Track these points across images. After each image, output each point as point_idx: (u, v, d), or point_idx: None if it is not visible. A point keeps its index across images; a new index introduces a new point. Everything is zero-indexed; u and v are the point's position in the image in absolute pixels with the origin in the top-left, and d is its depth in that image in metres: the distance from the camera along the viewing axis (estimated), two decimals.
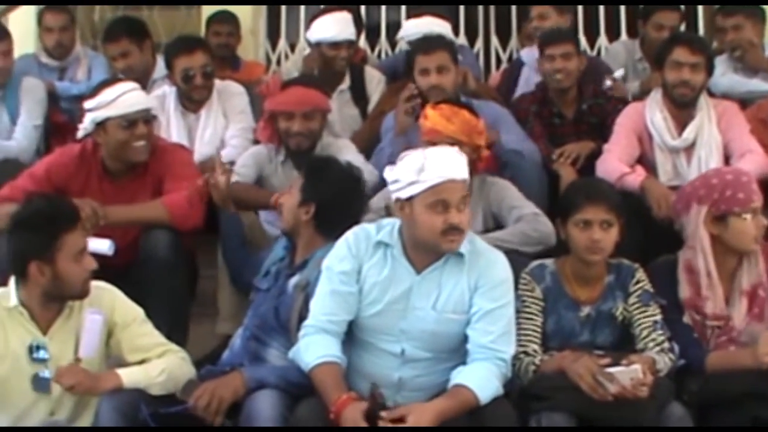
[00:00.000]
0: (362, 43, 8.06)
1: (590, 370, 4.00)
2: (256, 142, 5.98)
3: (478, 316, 4.06)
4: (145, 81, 6.53)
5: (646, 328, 4.33)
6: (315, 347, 4.06)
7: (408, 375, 4.13)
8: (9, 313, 4.11)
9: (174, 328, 4.60)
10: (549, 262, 4.52)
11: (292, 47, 8.65)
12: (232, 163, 5.75)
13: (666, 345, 4.28)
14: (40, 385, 4.10)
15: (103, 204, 4.86)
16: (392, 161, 4.26)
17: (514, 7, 8.57)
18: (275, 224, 5.29)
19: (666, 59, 5.51)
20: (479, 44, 8.66)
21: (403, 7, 8.41)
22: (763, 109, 5.89)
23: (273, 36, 8.85)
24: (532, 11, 7.17)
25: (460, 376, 3.95)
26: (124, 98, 5.07)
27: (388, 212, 4.71)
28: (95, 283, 4.16)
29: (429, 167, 3.97)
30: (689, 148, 5.55)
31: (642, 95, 6.09)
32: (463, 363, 4.05)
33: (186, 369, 4.27)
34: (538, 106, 6.16)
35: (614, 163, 5.43)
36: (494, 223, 5.04)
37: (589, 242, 4.35)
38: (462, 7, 8.55)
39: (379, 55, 8.54)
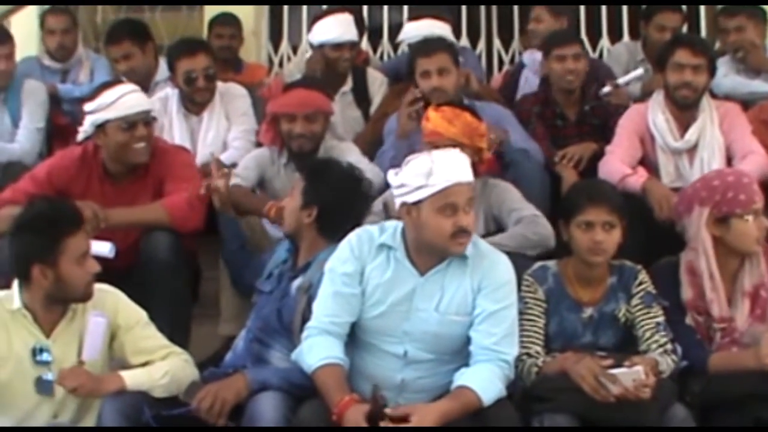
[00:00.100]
0: (364, 44, 8.05)
1: (593, 372, 4.00)
2: (258, 144, 5.99)
3: (481, 317, 4.06)
4: (147, 83, 6.55)
5: (649, 330, 4.33)
6: (318, 349, 4.06)
7: (410, 377, 4.13)
8: (12, 316, 4.10)
9: (176, 330, 4.59)
10: (551, 263, 4.52)
11: (295, 49, 8.65)
12: (234, 165, 5.76)
13: (668, 346, 4.29)
14: (43, 387, 4.10)
15: (104, 206, 4.87)
16: (395, 164, 4.27)
17: (516, 8, 8.57)
18: (277, 226, 5.29)
19: (668, 61, 5.51)
20: (481, 45, 8.65)
21: (405, 9, 8.41)
22: (765, 110, 5.89)
23: (275, 38, 8.85)
24: (531, 13, 7.18)
25: (463, 378, 3.96)
26: (123, 100, 5.07)
27: (387, 213, 4.71)
28: (98, 286, 4.16)
29: (437, 171, 3.98)
30: (691, 150, 5.54)
31: (644, 97, 6.08)
32: (466, 364, 4.05)
33: (189, 371, 4.27)
34: (541, 107, 6.16)
35: (616, 164, 5.43)
36: (495, 226, 5.04)
37: (592, 244, 4.35)
38: (464, 9, 8.55)
39: (381, 57, 8.52)
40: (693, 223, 4.51)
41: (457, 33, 7.77)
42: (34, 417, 4.15)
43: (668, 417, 4.09)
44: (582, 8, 8.30)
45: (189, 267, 5.16)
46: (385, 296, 4.12)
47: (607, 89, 6.27)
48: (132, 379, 4.08)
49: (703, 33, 8.08)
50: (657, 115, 5.59)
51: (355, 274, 4.15)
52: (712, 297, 4.43)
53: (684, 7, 7.26)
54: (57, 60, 7.44)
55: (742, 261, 4.50)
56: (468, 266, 4.11)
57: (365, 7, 8.23)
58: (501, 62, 8.60)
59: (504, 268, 4.16)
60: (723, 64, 6.42)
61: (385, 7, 8.71)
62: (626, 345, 4.40)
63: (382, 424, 3.76)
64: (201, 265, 5.40)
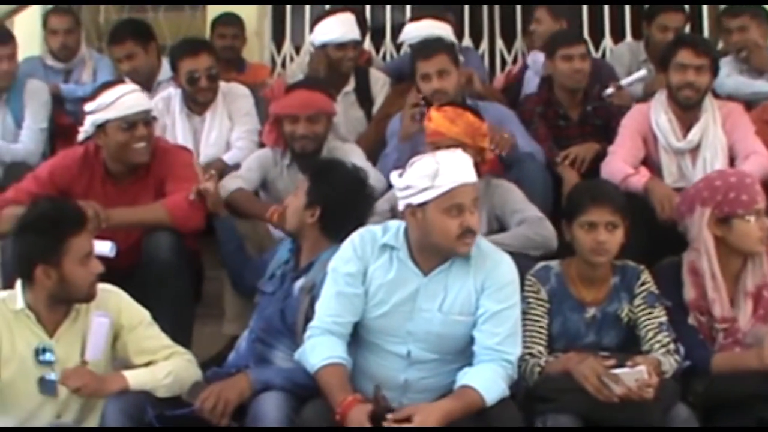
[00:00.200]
0: (367, 45, 8.05)
1: (596, 372, 4.00)
2: (261, 144, 5.99)
3: (484, 317, 4.06)
4: (150, 83, 6.56)
5: (652, 330, 4.33)
6: (320, 349, 4.07)
7: (414, 377, 4.13)
8: (15, 316, 4.11)
9: (178, 330, 4.58)
10: (554, 263, 4.53)
11: (297, 49, 8.64)
12: (237, 165, 5.76)
13: (671, 346, 4.29)
14: (46, 387, 4.10)
15: (106, 206, 4.87)
16: (398, 166, 4.27)
17: (518, 9, 8.56)
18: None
19: (670, 61, 5.51)
20: (484, 46, 8.64)
21: (408, 9, 8.41)
22: None
23: (278, 38, 8.84)
24: (534, 14, 7.19)
25: (466, 378, 3.96)
26: (123, 100, 5.08)
27: (393, 215, 4.71)
28: (101, 286, 4.16)
29: (443, 172, 3.98)
30: (694, 150, 5.54)
31: (646, 97, 6.08)
32: (469, 364, 4.06)
33: (192, 371, 4.28)
34: (544, 107, 6.15)
35: (619, 164, 5.43)
36: (498, 225, 5.04)
37: (594, 244, 4.35)
38: (467, 9, 8.54)
39: (384, 57, 8.52)
40: (695, 224, 4.51)
41: (459, 33, 7.76)
42: (38, 417, 4.16)
43: (671, 417, 4.10)
44: (585, 8, 8.29)
45: (191, 267, 5.16)
46: (388, 296, 4.13)
47: (610, 90, 6.26)
48: (135, 379, 4.08)
49: (706, 33, 8.06)
50: (660, 115, 5.58)
51: (358, 274, 4.16)
52: (714, 297, 4.44)
53: (687, 7, 7.25)
54: (60, 60, 7.45)
55: (744, 261, 4.50)
56: (471, 266, 4.12)
57: (368, 7, 8.24)
58: (504, 62, 8.57)
59: (507, 268, 4.17)
60: (726, 65, 6.41)
61: (388, 7, 8.70)
62: (629, 345, 4.40)
63: (385, 424, 3.76)
64: (204, 264, 5.40)
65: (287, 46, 8.80)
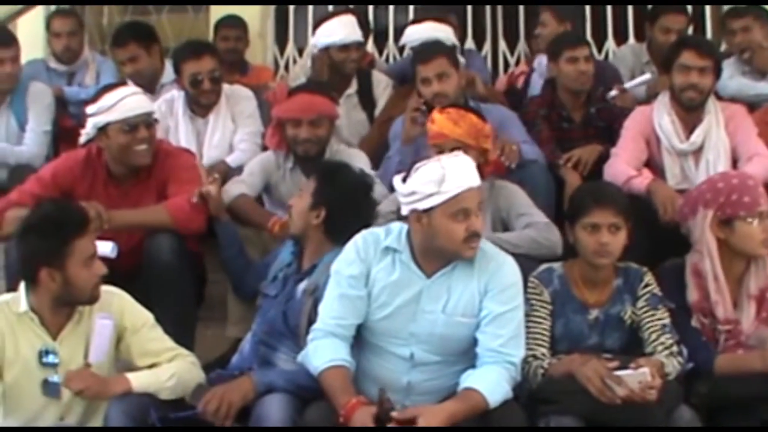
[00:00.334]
0: (370, 47, 8.06)
1: (599, 374, 4.00)
2: (264, 147, 5.98)
3: (487, 319, 4.07)
4: (153, 85, 6.57)
5: (655, 332, 4.33)
6: (323, 351, 4.07)
7: (417, 379, 4.14)
8: (19, 319, 4.11)
9: (180, 332, 4.58)
10: (557, 265, 4.52)
11: (300, 51, 8.64)
12: (241, 167, 5.76)
13: (674, 348, 4.28)
14: (49, 389, 4.10)
15: (108, 208, 4.87)
16: (400, 170, 4.27)
17: (521, 10, 8.57)
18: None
19: (673, 63, 5.50)
20: (487, 47, 8.65)
21: (411, 10, 8.41)
22: None
23: (281, 40, 8.85)
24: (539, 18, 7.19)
25: (469, 380, 3.96)
26: (124, 102, 5.08)
27: (398, 217, 4.71)
28: (105, 288, 4.16)
29: (449, 178, 3.98)
30: (697, 152, 5.53)
31: (649, 99, 6.08)
32: (472, 366, 4.06)
33: (195, 373, 4.28)
34: (547, 109, 6.15)
35: (621, 166, 5.42)
36: (502, 227, 5.04)
37: (597, 246, 4.35)
38: (470, 10, 8.54)
39: (387, 59, 8.52)
40: (698, 225, 4.51)
41: (462, 35, 7.77)
42: (41, 419, 4.17)
43: (674, 419, 4.09)
44: (588, 10, 8.29)
45: (193, 269, 5.15)
46: (391, 298, 4.13)
47: (613, 92, 6.27)
48: (138, 381, 4.08)
49: (709, 35, 8.06)
50: (662, 116, 5.58)
51: (361, 276, 4.16)
52: (716, 299, 4.43)
53: (689, 8, 7.25)
54: (63, 63, 7.48)
55: (748, 264, 4.50)
56: (474, 268, 4.12)
57: (371, 9, 8.24)
58: (507, 64, 8.58)
59: (510, 270, 4.17)
60: (728, 66, 6.41)
61: (391, 9, 8.71)
62: (632, 347, 4.39)
63: (390, 425, 3.76)
64: (207, 267, 5.39)
65: (290, 48, 8.81)
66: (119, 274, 4.38)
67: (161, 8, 9.23)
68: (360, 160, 5.50)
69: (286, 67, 8.71)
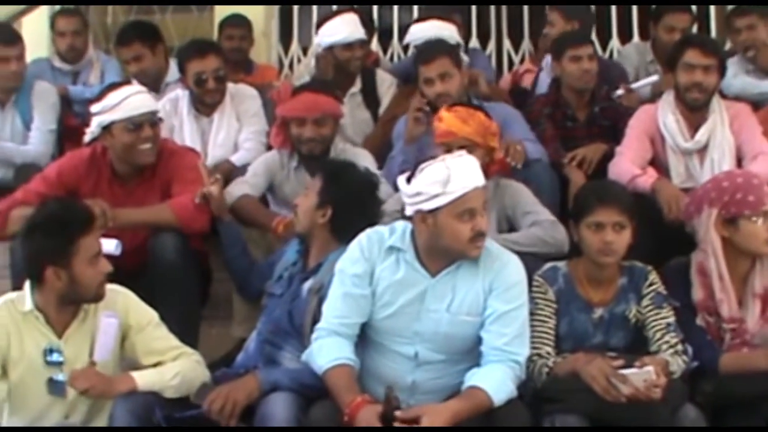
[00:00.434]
0: (374, 46, 8.05)
1: (603, 372, 4.00)
2: (269, 146, 5.98)
3: (492, 318, 4.06)
4: (157, 85, 6.58)
5: (660, 330, 4.33)
6: (328, 350, 4.07)
7: (421, 378, 4.13)
8: (24, 317, 4.12)
9: (185, 331, 4.58)
10: (561, 264, 4.52)
11: (305, 50, 8.64)
12: (245, 166, 5.77)
13: (679, 347, 4.28)
14: (55, 388, 4.11)
15: (113, 207, 4.88)
16: (404, 169, 4.27)
17: (526, 9, 8.57)
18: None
19: (678, 61, 5.50)
20: (491, 46, 8.65)
21: (416, 9, 8.41)
22: None
23: (285, 39, 8.86)
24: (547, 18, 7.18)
25: (474, 378, 3.96)
26: (129, 101, 5.09)
27: (404, 216, 4.72)
28: (109, 287, 4.17)
29: (454, 178, 3.98)
30: (702, 150, 5.53)
31: (654, 98, 6.07)
32: (477, 365, 4.06)
33: (200, 372, 4.28)
34: (552, 108, 6.14)
35: (626, 165, 5.42)
36: (508, 226, 5.04)
37: (602, 244, 4.35)
38: (474, 9, 8.54)
39: (391, 58, 8.53)
40: (702, 224, 4.51)
41: (467, 34, 7.76)
42: (46, 417, 4.18)
43: (679, 417, 4.09)
44: (592, 9, 8.27)
45: (198, 268, 5.16)
46: (395, 297, 4.13)
47: (619, 92, 6.26)
48: (143, 379, 4.09)
49: (713, 33, 8.07)
50: (667, 115, 5.58)
51: (365, 275, 4.16)
52: (721, 297, 4.43)
53: (694, 7, 7.24)
54: (67, 62, 7.48)
55: (753, 263, 4.50)
56: (479, 267, 4.12)
57: (375, 8, 8.24)
58: (511, 63, 8.59)
59: (514, 268, 4.17)
60: (732, 65, 6.40)
61: (395, 8, 8.72)
62: (637, 345, 4.39)
63: (395, 424, 3.76)
64: (211, 266, 5.39)
65: (294, 47, 8.82)
66: (124, 272, 4.37)
67: (166, 7, 9.24)
68: (365, 159, 5.49)
69: (291, 66, 8.72)
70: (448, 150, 4.59)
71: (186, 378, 4.17)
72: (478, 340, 4.10)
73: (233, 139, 6.16)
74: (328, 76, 6.56)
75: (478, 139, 4.89)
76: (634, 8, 8.33)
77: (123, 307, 4.22)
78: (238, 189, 5.48)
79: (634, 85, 6.46)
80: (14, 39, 6.63)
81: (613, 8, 8.40)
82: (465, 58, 6.38)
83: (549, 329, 4.37)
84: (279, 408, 3.98)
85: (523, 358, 4.07)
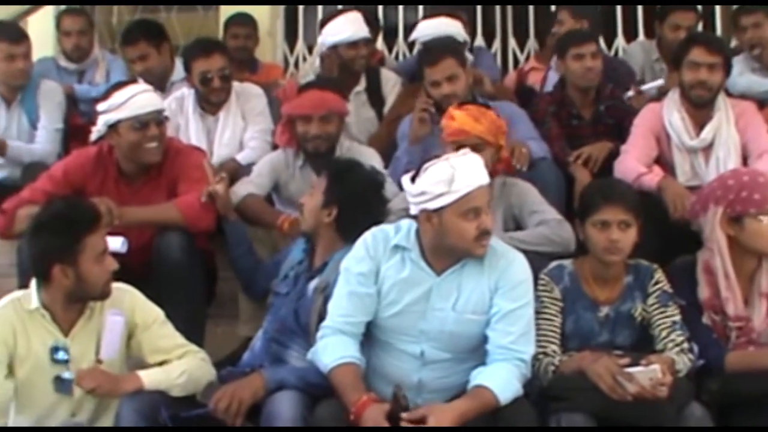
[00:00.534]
0: (380, 44, 8.06)
1: (610, 371, 4.00)
2: (274, 144, 5.99)
3: (498, 316, 4.06)
4: (163, 83, 6.58)
5: (665, 329, 4.33)
6: (333, 348, 4.07)
7: (428, 377, 4.13)
8: (30, 315, 4.12)
9: (191, 329, 4.58)
10: (567, 262, 4.52)
11: (310, 49, 8.63)
12: (251, 165, 5.77)
13: (685, 345, 4.28)
14: (61, 386, 4.12)
15: (119, 205, 4.88)
16: (409, 170, 4.26)
17: (531, 8, 8.56)
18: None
19: (683, 59, 5.50)
20: (497, 45, 8.65)
21: (421, 8, 8.41)
22: None
23: (291, 38, 8.86)
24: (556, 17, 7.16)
25: (480, 377, 3.96)
26: (135, 100, 5.09)
27: (410, 214, 4.72)
28: (116, 285, 4.18)
29: (459, 177, 3.98)
30: (707, 149, 5.53)
31: (660, 96, 6.07)
32: (483, 363, 4.06)
33: (206, 370, 4.28)
34: (557, 107, 6.14)
35: (632, 163, 5.42)
36: (514, 225, 5.04)
37: (608, 243, 4.35)
38: (479, 8, 8.54)
39: (396, 57, 8.53)
40: (708, 222, 4.51)
41: (472, 33, 7.77)
42: (53, 416, 4.19)
43: (685, 416, 4.08)
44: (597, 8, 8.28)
45: (203, 267, 5.15)
46: (400, 296, 4.13)
47: (630, 93, 6.27)
48: (150, 378, 4.09)
49: (719, 32, 8.06)
50: (672, 113, 5.57)
51: (370, 273, 4.16)
52: (727, 296, 4.43)
53: (699, 6, 7.24)
54: (73, 61, 7.49)
55: (759, 261, 4.49)
56: (484, 266, 4.12)
57: (380, 7, 8.24)
58: (516, 61, 8.58)
59: (520, 267, 4.17)
60: (738, 63, 6.40)
61: (401, 7, 8.71)
62: (642, 344, 4.39)
63: (402, 424, 3.76)
64: (217, 265, 5.39)
65: (300, 46, 8.82)
66: (129, 271, 4.38)
67: (171, 6, 9.24)
68: (372, 158, 5.51)
69: (296, 65, 8.73)
70: (459, 148, 4.55)
71: (192, 376, 4.17)
72: (484, 339, 4.10)
73: (239, 137, 6.17)
74: (333, 75, 6.56)
75: (489, 138, 4.89)
76: (639, 7, 8.32)
77: (129, 306, 4.23)
78: (243, 188, 5.49)
79: (643, 87, 6.46)
80: (21, 37, 6.64)
81: (618, 7, 8.39)
82: (469, 56, 6.37)
83: (555, 328, 4.36)
84: (285, 407, 3.97)
85: (528, 357, 4.07)
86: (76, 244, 3.99)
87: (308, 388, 4.07)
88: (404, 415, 3.78)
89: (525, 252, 4.31)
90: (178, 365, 4.18)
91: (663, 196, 5.12)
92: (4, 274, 5.39)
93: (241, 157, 5.99)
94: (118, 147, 5.15)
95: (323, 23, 6.88)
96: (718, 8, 8.23)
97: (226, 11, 8.17)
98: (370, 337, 4.22)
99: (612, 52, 8.17)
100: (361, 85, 6.68)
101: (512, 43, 8.69)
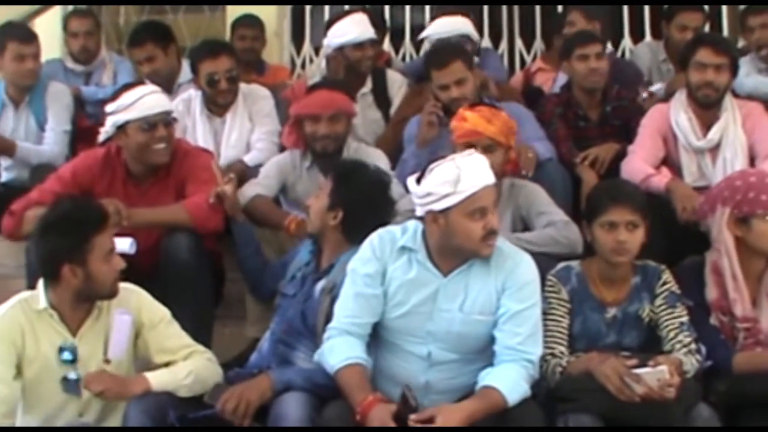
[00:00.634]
0: (386, 46, 8.06)
1: (617, 372, 4.00)
2: (281, 146, 5.99)
3: (505, 317, 4.07)
4: (170, 85, 6.59)
5: (673, 330, 4.32)
6: (339, 349, 4.08)
7: (435, 378, 4.14)
8: (39, 316, 4.13)
9: (198, 330, 4.58)
10: (575, 263, 4.52)
11: (317, 50, 8.63)
12: (258, 166, 5.77)
13: (693, 346, 4.28)
14: (69, 386, 4.12)
15: (127, 206, 4.89)
16: (416, 172, 4.26)
17: (538, 9, 8.56)
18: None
19: (690, 60, 5.50)
20: (503, 46, 8.65)
21: (427, 9, 8.42)
22: None
23: (297, 39, 8.87)
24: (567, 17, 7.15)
25: (488, 378, 3.96)
26: (143, 101, 5.10)
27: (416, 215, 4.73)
28: (122, 285, 4.18)
29: (465, 177, 3.98)
30: (714, 149, 5.53)
31: (667, 97, 6.07)
32: (490, 365, 4.06)
33: (213, 370, 4.29)
34: (563, 108, 6.13)
35: (639, 164, 5.42)
36: (522, 226, 5.03)
37: (615, 244, 4.34)
38: (486, 9, 8.53)
39: (403, 58, 8.53)
40: (715, 223, 4.51)
41: (479, 33, 7.75)
42: (60, 416, 4.20)
43: (692, 417, 4.07)
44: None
45: (211, 268, 5.16)
46: (407, 297, 4.14)
47: (645, 95, 6.27)
48: (157, 380, 4.10)
49: (725, 32, 8.05)
50: (679, 114, 5.57)
51: (377, 274, 4.17)
52: (735, 297, 4.43)
53: (706, 6, 7.24)
54: (80, 62, 7.50)
55: (767, 262, 4.49)
56: (491, 266, 4.12)
57: (387, 8, 8.24)
58: (523, 62, 8.58)
59: (527, 267, 4.17)
60: (745, 64, 6.40)
61: (407, 8, 8.72)
62: (650, 345, 4.39)
63: (410, 424, 3.75)
64: (225, 266, 5.40)
65: (307, 47, 8.83)
66: (137, 272, 4.39)
67: (178, 8, 9.25)
68: (379, 159, 5.50)
69: (303, 66, 8.73)
70: (470, 147, 4.53)
71: (199, 377, 4.18)
72: (491, 340, 4.10)
73: (246, 139, 6.18)
74: (339, 77, 6.56)
75: (501, 139, 4.89)
76: (646, 7, 8.32)
77: (136, 305, 4.24)
78: (251, 190, 5.50)
79: (652, 88, 6.46)
80: (31, 37, 6.65)
81: (625, 7, 8.38)
82: (475, 58, 6.37)
83: (562, 329, 4.36)
84: (292, 408, 3.98)
85: (536, 358, 4.07)
86: (85, 244, 4.00)
87: (316, 390, 4.08)
88: (413, 416, 3.77)
89: (532, 253, 4.31)
90: (184, 366, 4.19)
91: (671, 197, 5.11)
92: (12, 276, 5.40)
93: (248, 159, 5.99)
94: (127, 148, 5.16)
95: (329, 25, 6.89)
96: (724, 9, 8.22)
97: (233, 12, 8.18)
98: (377, 338, 4.22)
99: (619, 53, 8.16)
100: (367, 86, 6.68)
101: (519, 43, 8.68)
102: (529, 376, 4.02)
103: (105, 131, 5.20)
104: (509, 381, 3.93)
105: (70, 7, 8.16)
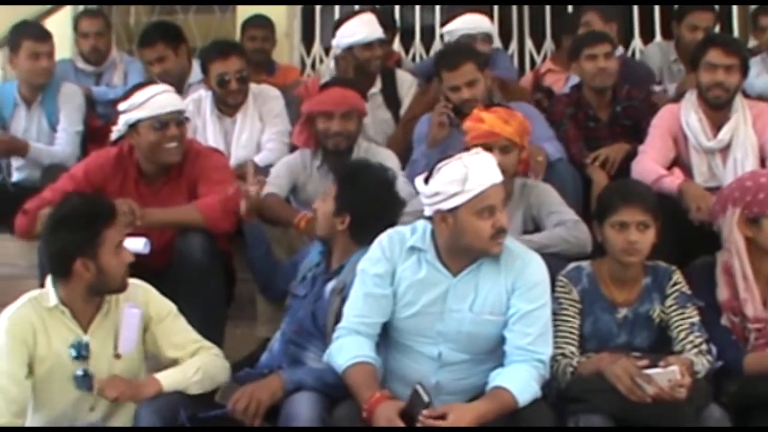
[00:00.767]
0: (396, 46, 8.06)
1: (628, 372, 3.99)
2: (292, 146, 6.00)
3: (515, 317, 4.07)
4: (180, 85, 6.58)
5: (684, 330, 4.32)
6: (348, 349, 4.08)
7: (445, 378, 4.14)
8: (50, 313, 4.13)
9: (210, 330, 4.59)
10: (586, 264, 4.52)
11: (327, 50, 8.63)
12: (268, 166, 5.78)
13: (704, 347, 4.27)
14: (81, 382, 4.13)
15: (141, 207, 4.90)
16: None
17: (548, 9, 8.56)
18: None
19: (700, 61, 5.49)
20: (513, 46, 8.66)
21: (438, 10, 8.42)
22: None
23: (308, 39, 8.88)
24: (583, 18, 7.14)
25: (499, 378, 3.96)
26: (155, 100, 5.11)
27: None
28: (130, 281, 4.21)
29: (472, 176, 3.98)
30: (724, 150, 5.53)
31: (677, 97, 6.07)
32: (500, 365, 4.06)
33: (221, 365, 4.31)
34: (574, 109, 6.13)
35: (651, 164, 5.41)
36: (533, 226, 5.03)
37: (626, 244, 4.34)
38: (496, 9, 8.53)
39: (413, 59, 8.54)
40: (726, 224, 4.51)
41: None
42: (72, 411, 4.21)
43: (704, 417, 4.07)
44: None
45: (223, 268, 5.16)
46: (417, 297, 4.14)
47: (658, 89, 6.28)
48: (167, 380, 4.12)
49: (736, 33, 8.05)
50: (690, 114, 5.57)
51: (386, 275, 4.17)
52: (746, 297, 4.43)
53: (716, 6, 7.23)
54: (91, 63, 7.52)
55: None
56: (501, 266, 4.12)
57: (397, 8, 8.24)
58: (533, 62, 8.59)
59: (537, 267, 4.17)
60: (755, 64, 6.41)
61: (417, 8, 8.72)
62: (661, 345, 4.38)
63: (421, 418, 3.74)
64: (236, 266, 5.40)
65: (317, 48, 8.84)
66: (150, 272, 4.41)
67: (188, 8, 9.27)
68: (389, 159, 5.51)
69: (313, 67, 8.75)
70: (488, 149, 4.52)
71: (208, 373, 4.20)
72: (502, 340, 4.10)
73: (256, 139, 6.19)
74: (348, 77, 6.56)
75: (517, 139, 4.89)
76: (657, 7, 8.31)
77: (143, 299, 4.26)
78: (263, 189, 5.49)
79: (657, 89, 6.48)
80: (45, 36, 6.66)
81: (635, 8, 8.38)
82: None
83: (573, 329, 4.36)
84: (303, 408, 3.98)
85: (546, 358, 4.07)
86: (96, 238, 4.02)
87: (326, 390, 4.08)
88: (424, 412, 3.76)
89: (542, 253, 4.31)
90: (192, 363, 4.21)
91: (685, 198, 5.10)
92: (24, 276, 5.42)
93: (259, 159, 5.99)
94: (138, 147, 5.17)
95: (337, 25, 6.89)
96: (735, 9, 8.21)
97: (243, 13, 8.19)
98: (387, 339, 4.22)
99: (629, 54, 8.15)
100: (377, 86, 6.68)
101: (529, 44, 8.69)
102: (540, 377, 4.01)
103: (117, 130, 5.21)
104: (520, 381, 3.93)
105: (81, 8, 8.18)
